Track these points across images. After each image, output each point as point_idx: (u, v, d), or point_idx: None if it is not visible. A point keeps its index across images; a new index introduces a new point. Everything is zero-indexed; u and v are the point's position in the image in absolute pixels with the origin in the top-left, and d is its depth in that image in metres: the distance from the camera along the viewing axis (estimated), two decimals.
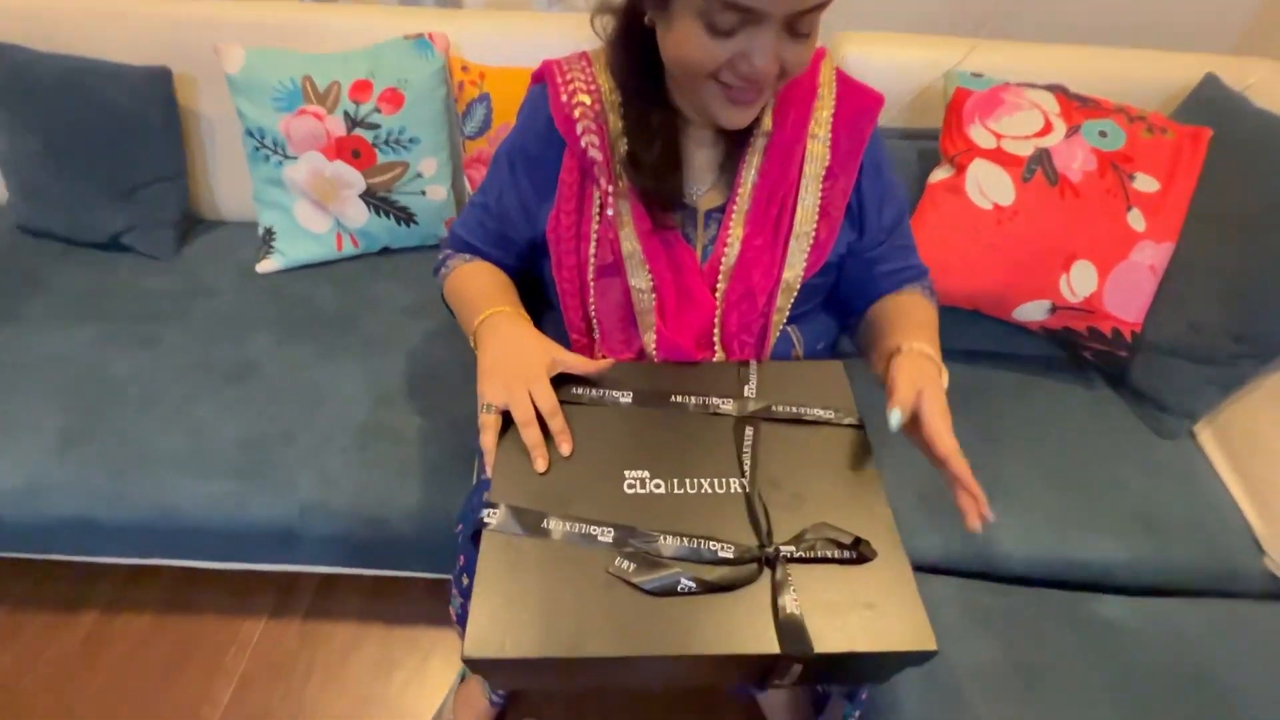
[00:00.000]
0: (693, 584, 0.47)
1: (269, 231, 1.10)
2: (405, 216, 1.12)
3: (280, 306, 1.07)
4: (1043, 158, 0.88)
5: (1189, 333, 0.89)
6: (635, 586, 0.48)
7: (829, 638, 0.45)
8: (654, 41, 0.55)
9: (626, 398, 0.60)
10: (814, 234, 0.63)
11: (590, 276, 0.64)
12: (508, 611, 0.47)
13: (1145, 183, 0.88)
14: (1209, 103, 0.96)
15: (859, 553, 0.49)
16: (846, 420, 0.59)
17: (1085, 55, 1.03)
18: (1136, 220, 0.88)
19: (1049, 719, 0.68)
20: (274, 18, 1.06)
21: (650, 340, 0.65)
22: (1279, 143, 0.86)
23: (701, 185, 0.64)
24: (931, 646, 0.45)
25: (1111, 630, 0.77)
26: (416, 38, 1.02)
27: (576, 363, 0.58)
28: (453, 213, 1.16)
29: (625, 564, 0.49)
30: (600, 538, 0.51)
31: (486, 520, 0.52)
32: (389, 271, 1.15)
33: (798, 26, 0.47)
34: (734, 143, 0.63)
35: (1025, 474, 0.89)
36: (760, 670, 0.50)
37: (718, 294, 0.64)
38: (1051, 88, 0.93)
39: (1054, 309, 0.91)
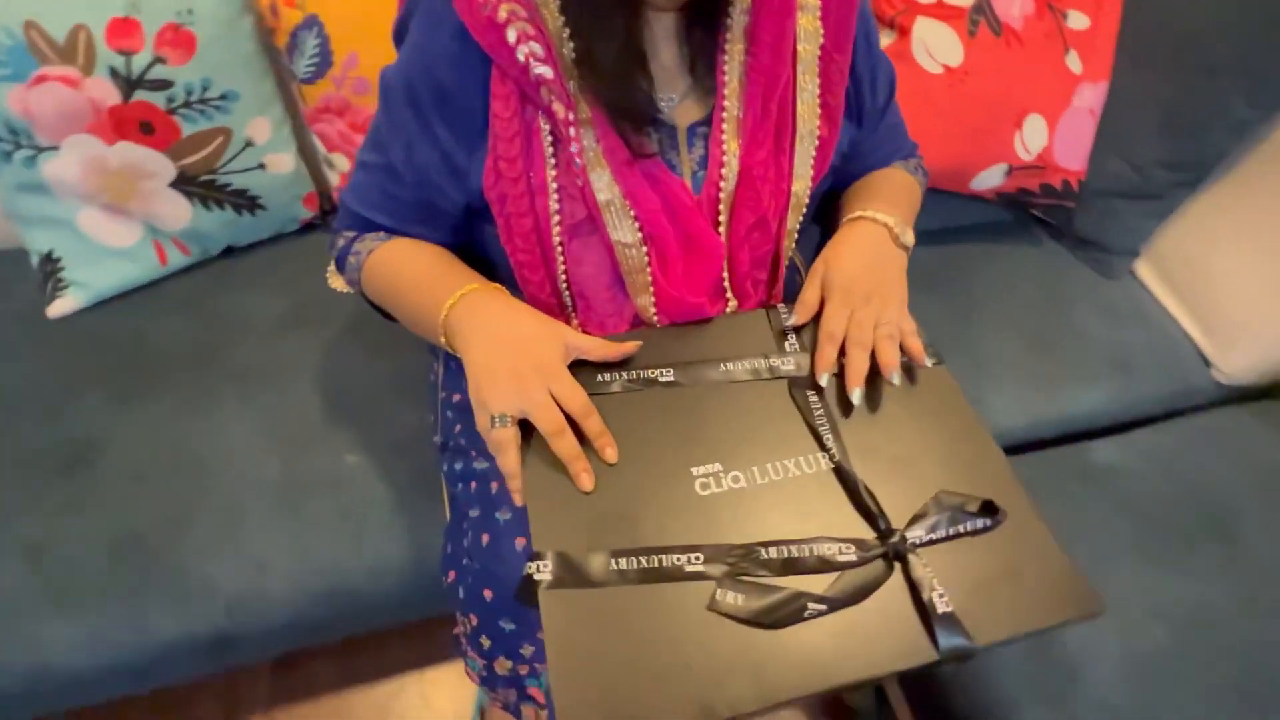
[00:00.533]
0: (822, 606, 0.38)
1: (49, 259, 0.80)
2: (246, 203, 0.85)
3: (102, 356, 0.79)
4: (984, 8, 0.81)
5: (1129, 171, 0.89)
6: (750, 622, 0.38)
7: (987, 627, 0.39)
8: None
9: (667, 376, 0.47)
10: (820, 132, 0.51)
11: (557, 239, 0.49)
12: (602, 683, 0.36)
13: (1077, 19, 0.84)
14: None
15: (992, 520, 0.42)
16: (930, 360, 0.50)
17: None
18: (1074, 62, 0.85)
19: (1090, 575, 0.70)
20: None
21: (648, 304, 0.52)
22: None
23: (673, 93, 0.49)
24: (1100, 608, 0.40)
25: (1112, 473, 0.80)
26: None
27: (596, 346, 0.47)
28: (309, 186, 0.90)
29: (730, 596, 0.39)
30: (689, 566, 0.40)
31: (536, 577, 0.39)
32: (244, 277, 0.89)
33: None
34: (705, 29, 0.48)
35: (1002, 344, 0.88)
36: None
37: (722, 228, 0.51)
38: None
39: (1010, 171, 0.88)
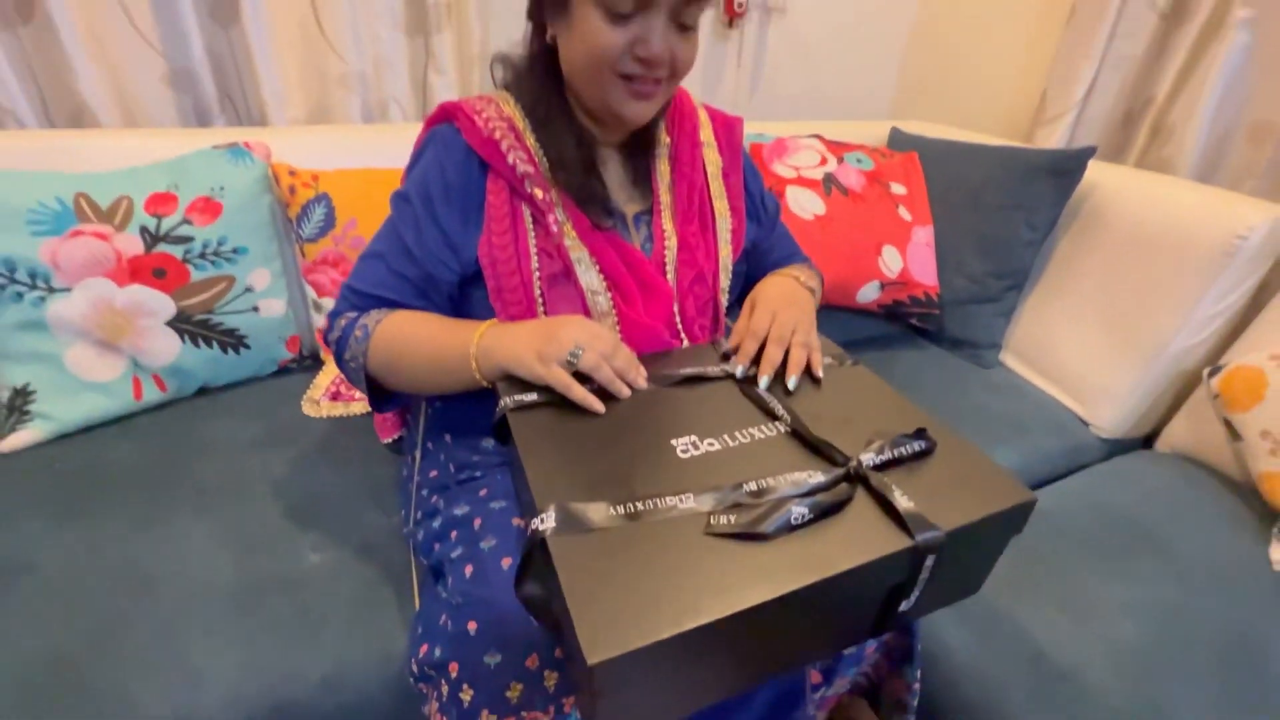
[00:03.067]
0: (805, 510, 0.43)
1: (20, 393, 0.81)
2: (233, 342, 0.93)
3: (50, 483, 0.77)
4: (831, 179, 1.13)
5: (968, 284, 1.15)
6: (749, 536, 0.42)
7: (949, 516, 0.45)
8: (556, 67, 0.60)
9: (641, 381, 0.56)
10: (731, 221, 0.70)
11: (538, 290, 0.61)
12: (618, 604, 0.38)
13: (898, 188, 1.18)
14: (901, 143, 1.34)
15: (926, 440, 0.50)
16: (848, 362, 0.63)
17: (818, 126, 1.38)
18: (904, 213, 1.15)
19: (1061, 601, 0.73)
20: (19, 145, 0.88)
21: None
22: (949, 154, 1.23)
23: (620, 196, 0.68)
24: (1032, 496, 0.47)
25: (1048, 514, 0.87)
26: (229, 146, 0.93)
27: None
28: (292, 330, 1.00)
29: (724, 518, 0.43)
30: (681, 505, 0.44)
31: (540, 528, 0.42)
32: (217, 410, 0.92)
33: (683, 18, 0.55)
34: (638, 157, 0.68)
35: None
36: (889, 594, 0.47)
37: (671, 281, 0.66)
38: (813, 136, 1.21)
39: (882, 286, 1.11)
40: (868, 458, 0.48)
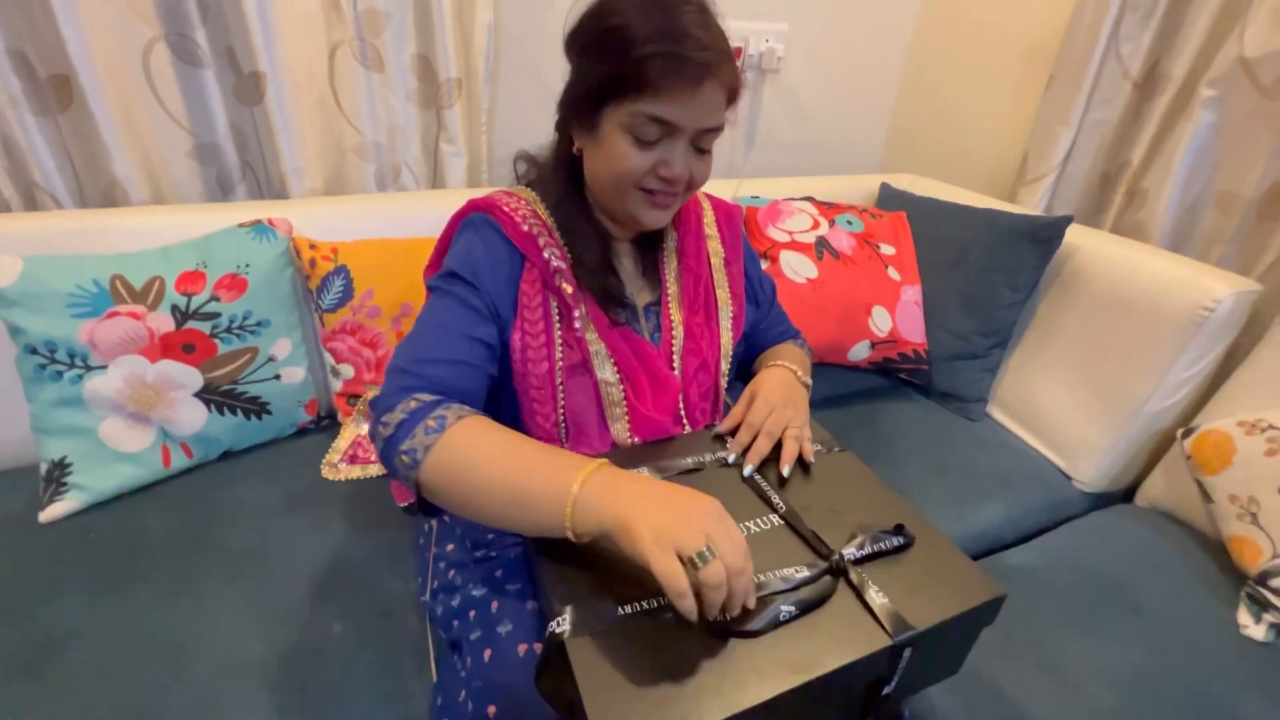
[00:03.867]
0: (792, 608, 0.48)
1: (59, 465, 0.86)
2: (256, 408, 0.98)
3: (88, 554, 0.81)
4: (823, 242, 1.19)
5: (955, 340, 1.21)
6: (743, 633, 0.47)
7: (923, 614, 0.49)
8: (579, 172, 0.66)
9: (644, 472, 0.61)
10: (732, 309, 0.76)
11: (559, 378, 0.66)
12: (631, 707, 0.42)
13: (887, 249, 1.23)
14: (890, 199, 1.41)
15: (905, 536, 0.55)
16: (836, 448, 0.68)
17: (807, 183, 1.44)
18: (893, 273, 1.21)
19: (1041, 662, 0.77)
20: (57, 226, 0.93)
21: (624, 429, 0.68)
22: (936, 214, 1.29)
23: (632, 287, 0.73)
24: (1002, 592, 0.52)
25: (1029, 572, 0.92)
26: (254, 224, 0.98)
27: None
28: (311, 393, 1.05)
29: (722, 615, 0.48)
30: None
31: (557, 629, 0.47)
32: (240, 474, 0.97)
33: (701, 143, 0.62)
34: (647, 251, 0.74)
35: (913, 474, 1.07)
36: (870, 686, 0.51)
37: (676, 370, 0.71)
38: (805, 199, 1.27)
39: (873, 345, 1.17)
40: (849, 552, 0.53)
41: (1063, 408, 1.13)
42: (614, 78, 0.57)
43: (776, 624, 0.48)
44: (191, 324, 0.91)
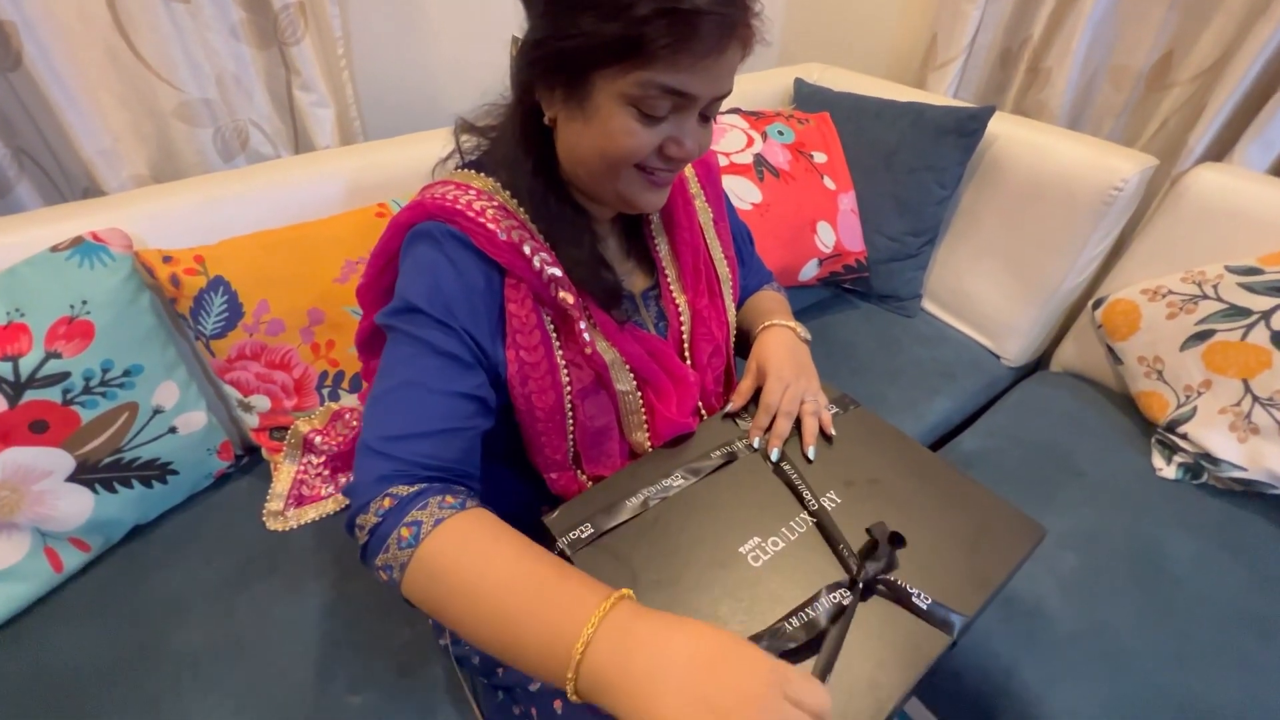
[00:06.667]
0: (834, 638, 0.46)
1: None
2: (156, 473, 0.80)
3: (12, 707, 0.65)
4: (760, 160, 1.11)
5: (889, 243, 1.23)
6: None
7: (968, 598, 0.49)
8: (551, 147, 0.53)
9: (676, 480, 0.57)
10: (730, 276, 0.69)
11: (568, 403, 0.58)
12: None
13: (819, 157, 1.19)
14: (808, 97, 1.34)
15: (903, 544, 0.51)
16: (850, 406, 0.66)
17: None
18: (829, 183, 1.18)
19: None
20: None
21: (643, 438, 0.62)
22: (858, 112, 1.25)
23: (623, 272, 0.63)
24: (1042, 530, 0.54)
25: (982, 455, 1.02)
26: (75, 244, 0.73)
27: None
28: (221, 436, 0.87)
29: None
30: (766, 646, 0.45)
31: None
32: (163, 551, 0.80)
33: (709, 111, 0.51)
34: (633, 226, 0.64)
35: (872, 385, 1.12)
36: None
37: (687, 360, 0.64)
38: (733, 110, 1.17)
39: (820, 262, 1.16)
40: (870, 570, 0.49)
41: (989, 294, 1.21)
42: (611, 40, 0.43)
43: (834, 660, 0.45)
44: (32, 395, 0.69)
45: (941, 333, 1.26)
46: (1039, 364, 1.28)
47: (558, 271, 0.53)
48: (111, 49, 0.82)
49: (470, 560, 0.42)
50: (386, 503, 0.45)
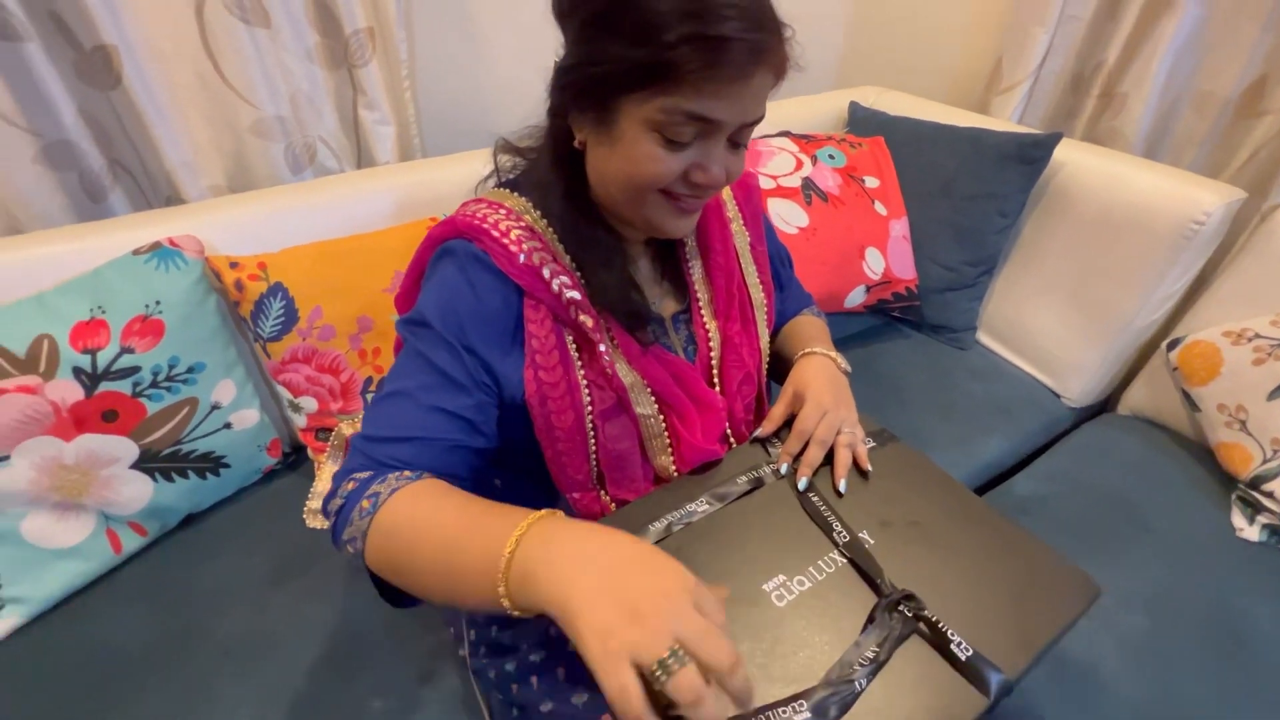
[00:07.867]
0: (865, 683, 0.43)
1: None
2: (210, 466, 0.84)
3: (50, 678, 0.69)
4: (809, 184, 1.10)
5: (945, 272, 1.18)
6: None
7: (1014, 656, 0.45)
8: (582, 168, 0.54)
9: (701, 505, 0.55)
10: (765, 303, 0.67)
11: (590, 424, 0.57)
12: None
13: (871, 182, 1.16)
14: (863, 121, 1.31)
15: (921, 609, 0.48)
16: (889, 442, 0.63)
17: (771, 110, 1.32)
18: (880, 208, 1.15)
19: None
20: None
21: (668, 462, 0.61)
22: (914, 136, 1.22)
23: (653, 295, 0.63)
24: (1098, 589, 0.49)
25: (1038, 501, 0.96)
26: (153, 248, 0.79)
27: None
28: (271, 434, 0.92)
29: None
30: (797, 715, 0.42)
31: None
32: (211, 542, 0.84)
33: (739, 137, 0.50)
34: (667, 249, 0.64)
35: (914, 420, 1.07)
36: None
37: (716, 387, 0.63)
38: (782, 134, 1.16)
39: (868, 289, 1.12)
40: (905, 606, 0.47)
41: (1051, 329, 1.14)
42: (638, 66, 0.44)
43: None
44: (106, 386, 0.74)
45: (997, 367, 1.19)
46: (1105, 405, 1.20)
47: (577, 295, 0.53)
48: (200, 70, 0.89)
49: (421, 512, 0.44)
50: (349, 485, 0.47)
